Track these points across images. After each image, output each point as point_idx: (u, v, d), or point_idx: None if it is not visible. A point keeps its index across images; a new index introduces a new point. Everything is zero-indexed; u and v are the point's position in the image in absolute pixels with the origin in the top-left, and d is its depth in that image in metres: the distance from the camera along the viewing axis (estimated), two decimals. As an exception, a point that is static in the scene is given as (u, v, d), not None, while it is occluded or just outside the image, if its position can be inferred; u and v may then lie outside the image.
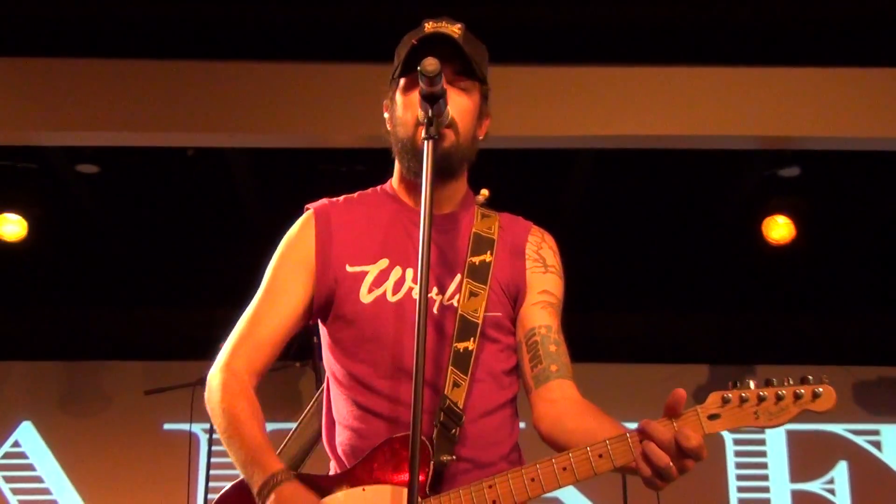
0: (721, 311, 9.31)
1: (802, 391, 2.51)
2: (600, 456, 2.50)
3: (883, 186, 8.07)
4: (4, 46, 6.59)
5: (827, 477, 9.08)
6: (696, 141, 6.82)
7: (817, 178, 7.82)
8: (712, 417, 2.49)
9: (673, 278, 9.14)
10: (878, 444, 9.23)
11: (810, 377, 2.53)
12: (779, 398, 2.51)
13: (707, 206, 8.51)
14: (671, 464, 2.42)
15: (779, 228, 7.97)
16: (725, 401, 2.50)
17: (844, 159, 7.34)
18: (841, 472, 9.11)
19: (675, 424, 2.45)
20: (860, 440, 9.22)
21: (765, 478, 9.03)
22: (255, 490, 2.60)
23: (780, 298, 9.23)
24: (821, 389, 2.52)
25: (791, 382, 2.53)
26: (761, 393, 2.50)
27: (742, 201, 8.23)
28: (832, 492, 9.07)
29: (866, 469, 9.14)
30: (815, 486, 9.08)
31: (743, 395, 2.50)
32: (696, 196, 8.38)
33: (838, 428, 9.14)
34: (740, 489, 9.05)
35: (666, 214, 8.61)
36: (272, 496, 2.54)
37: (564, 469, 2.52)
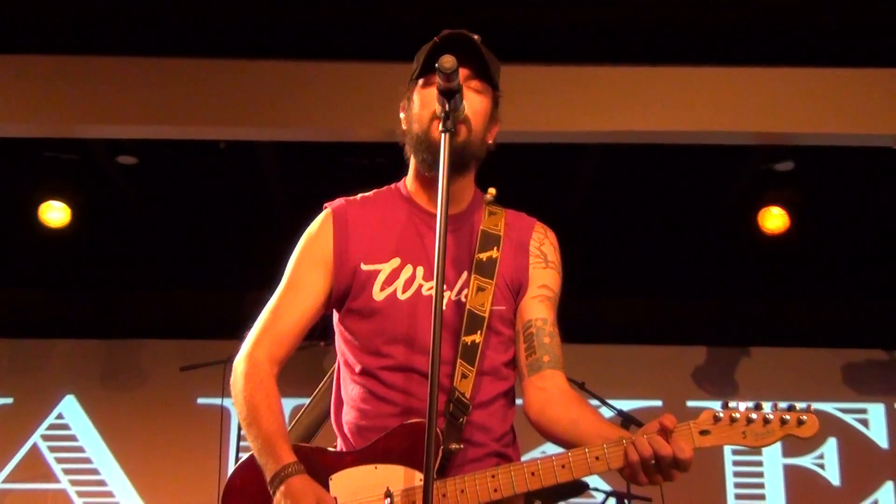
0: (719, 297, 9.30)
1: (788, 417, 2.52)
2: (597, 458, 2.54)
3: (872, 180, 8.04)
4: (50, 45, 6.61)
5: (817, 453, 9.07)
6: (696, 136, 6.80)
7: (810, 171, 7.80)
8: (703, 433, 2.52)
9: (674, 266, 9.13)
10: (865, 422, 9.22)
11: (797, 405, 2.53)
12: (766, 421, 2.52)
13: (706, 198, 8.50)
14: (658, 476, 2.50)
15: (773, 219, 7.95)
16: (717, 419, 2.52)
17: (836, 154, 7.32)
18: (830, 448, 9.10)
19: (669, 439, 2.48)
20: (848, 418, 9.21)
21: (759, 453, 9.02)
22: (267, 479, 2.62)
23: (774, 285, 9.21)
24: (805, 418, 2.53)
25: (779, 408, 2.52)
26: (751, 415, 2.52)
27: (739, 193, 8.21)
28: (822, 466, 9.06)
29: (854, 445, 9.13)
30: (806, 461, 9.08)
31: (734, 415, 2.52)
32: (696, 188, 8.37)
33: (828, 407, 9.13)
34: (736, 463, 9.05)
35: (667, 206, 8.60)
36: (282, 487, 2.57)
37: (563, 467, 2.55)
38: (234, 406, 2.81)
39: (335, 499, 2.59)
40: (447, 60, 2.46)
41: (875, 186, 8.13)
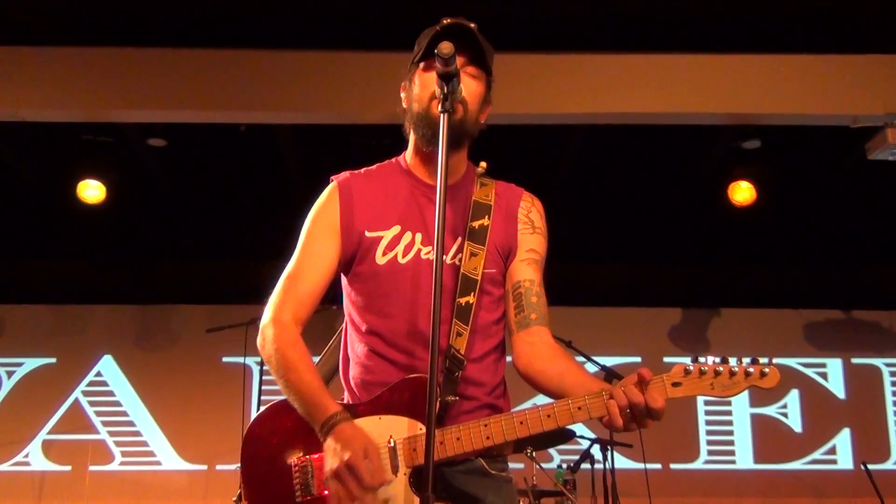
0: (692, 263, 9.31)
1: (752, 370, 2.50)
2: (579, 408, 2.52)
3: (830, 156, 8.03)
4: (87, 38, 6.59)
5: (781, 403, 9.11)
6: (673, 117, 6.78)
7: (776, 149, 7.79)
8: (675, 385, 2.50)
9: (652, 234, 9.14)
10: (824, 375, 9.26)
11: (760, 359, 2.51)
12: (732, 374, 2.50)
13: (681, 173, 8.49)
14: (633, 424, 2.49)
15: (742, 192, 7.95)
16: (687, 372, 2.50)
17: (798, 133, 7.31)
18: (793, 399, 9.14)
19: (644, 390, 2.47)
20: (809, 372, 9.24)
21: (728, 403, 9.06)
22: (316, 427, 2.60)
23: (742, 252, 9.23)
24: (767, 370, 2.50)
25: (744, 362, 2.50)
26: (718, 368, 2.50)
27: (711, 169, 8.20)
28: (785, 415, 9.10)
29: (814, 396, 9.17)
30: (770, 410, 9.11)
31: (702, 368, 2.49)
32: (673, 164, 8.36)
33: (791, 361, 9.16)
34: (708, 412, 9.09)
35: (646, 180, 8.59)
36: (333, 432, 2.55)
37: (549, 416, 2.53)
38: (268, 365, 2.76)
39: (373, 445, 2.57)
40: (446, 47, 2.43)
41: (833, 162, 8.12)
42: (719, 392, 2.51)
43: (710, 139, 7.84)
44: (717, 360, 2.51)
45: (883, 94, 6.55)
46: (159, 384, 9.04)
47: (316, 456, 2.67)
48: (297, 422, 2.67)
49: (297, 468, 2.68)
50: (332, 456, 2.53)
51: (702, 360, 2.51)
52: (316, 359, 3.16)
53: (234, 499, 6.01)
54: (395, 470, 2.59)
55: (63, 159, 7.93)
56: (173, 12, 6.55)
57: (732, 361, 2.51)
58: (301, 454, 2.69)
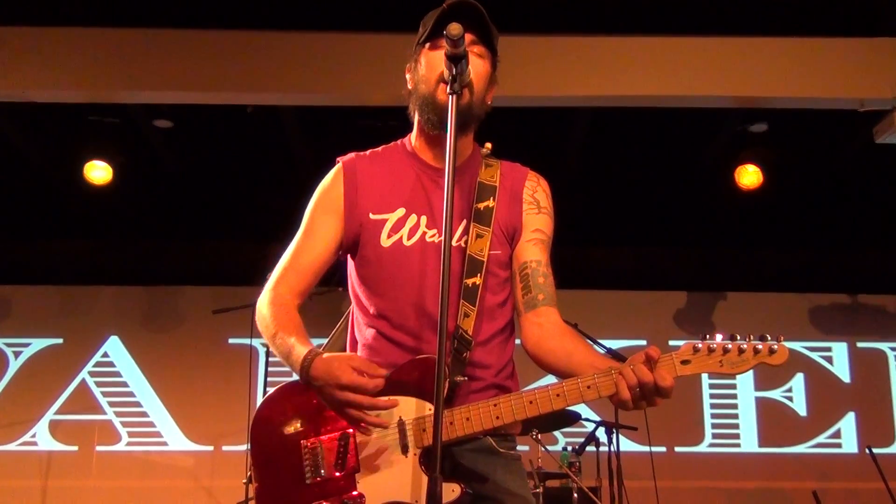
0: (699, 246, 9.31)
1: (761, 347, 2.50)
2: (588, 387, 2.52)
3: (838, 140, 8.01)
4: (93, 18, 6.59)
5: (786, 386, 9.11)
6: (680, 100, 6.76)
7: (782, 132, 7.77)
8: (684, 363, 2.50)
9: (658, 218, 9.13)
10: (829, 359, 9.26)
11: (769, 336, 2.51)
12: (741, 351, 2.49)
13: (688, 157, 8.47)
14: (643, 402, 2.48)
15: (749, 176, 7.93)
16: (696, 350, 2.50)
17: (806, 116, 7.29)
18: (798, 382, 9.14)
19: (653, 368, 2.46)
20: (815, 355, 9.24)
21: (733, 386, 9.07)
22: (297, 372, 2.61)
23: (748, 236, 9.22)
24: (776, 347, 2.50)
25: (752, 339, 2.50)
26: (727, 346, 2.49)
27: (718, 152, 8.18)
28: (790, 399, 9.11)
29: (819, 379, 9.17)
30: (775, 394, 9.12)
31: (711, 346, 2.50)
32: (679, 148, 8.34)
33: (796, 345, 9.16)
34: (713, 396, 9.10)
35: (653, 163, 8.58)
36: (310, 375, 2.54)
37: (558, 396, 2.54)
38: (262, 334, 2.79)
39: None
40: (455, 28, 2.42)
41: (841, 146, 8.10)
42: (728, 369, 2.51)
43: (716, 122, 7.82)
44: (726, 337, 2.52)
45: (891, 77, 6.53)
46: (166, 365, 9.06)
47: (325, 437, 2.68)
48: (307, 402, 2.69)
49: (306, 449, 2.69)
50: (325, 391, 2.54)
51: (710, 339, 2.52)
52: (323, 341, 3.16)
53: (245, 480, 6.05)
54: (404, 450, 2.60)
55: (70, 140, 7.93)
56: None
57: (741, 339, 2.52)
58: (311, 435, 2.70)
